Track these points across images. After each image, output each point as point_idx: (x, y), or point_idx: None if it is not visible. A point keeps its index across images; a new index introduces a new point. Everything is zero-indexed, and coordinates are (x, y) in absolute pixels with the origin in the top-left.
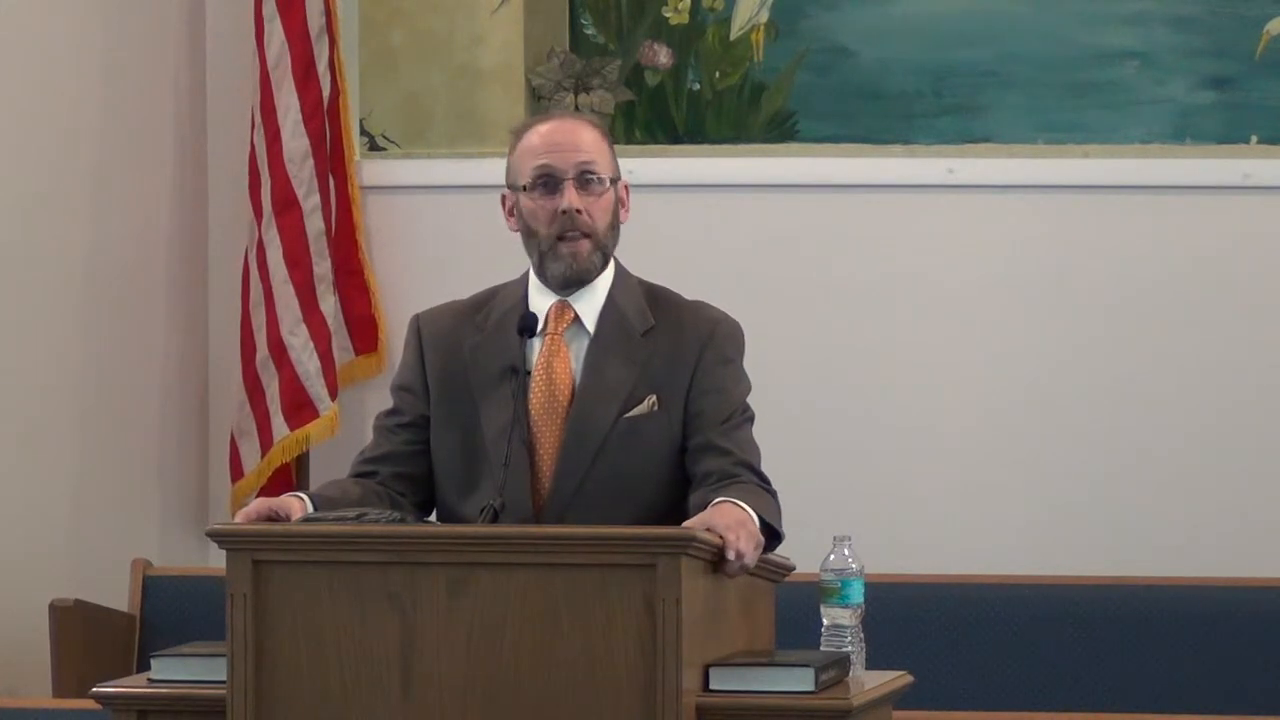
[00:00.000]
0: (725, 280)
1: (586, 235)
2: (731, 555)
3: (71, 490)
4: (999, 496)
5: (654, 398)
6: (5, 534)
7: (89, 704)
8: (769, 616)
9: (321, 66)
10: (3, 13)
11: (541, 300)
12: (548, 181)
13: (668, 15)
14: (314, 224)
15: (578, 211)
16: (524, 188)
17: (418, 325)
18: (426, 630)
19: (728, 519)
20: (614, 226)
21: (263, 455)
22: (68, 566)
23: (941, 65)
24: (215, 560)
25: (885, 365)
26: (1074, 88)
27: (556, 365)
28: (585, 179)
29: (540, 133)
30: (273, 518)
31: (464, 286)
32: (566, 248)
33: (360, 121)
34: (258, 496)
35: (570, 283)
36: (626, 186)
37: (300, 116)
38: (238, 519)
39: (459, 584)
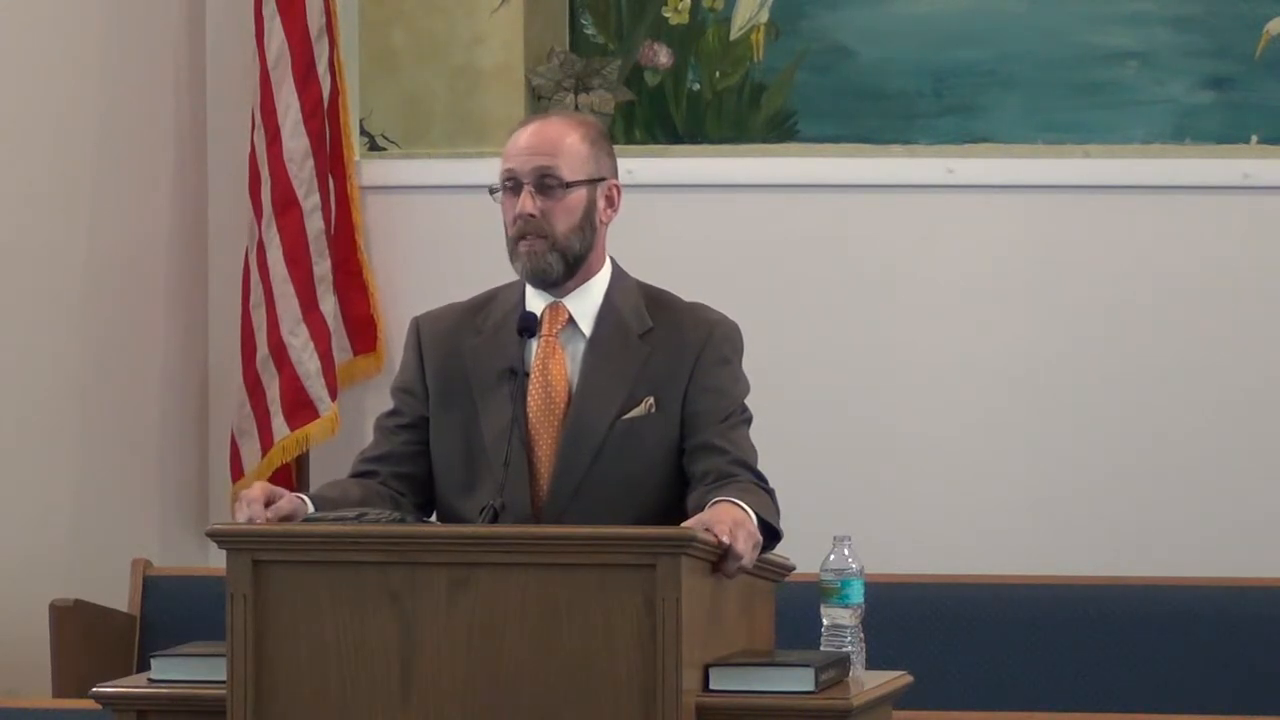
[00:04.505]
0: (724, 280)
1: (542, 237)
2: (729, 549)
3: (71, 490)
4: (999, 496)
5: (651, 399)
6: (5, 534)
7: (89, 704)
8: (769, 616)
9: (321, 66)
10: (2, 13)
11: (538, 302)
12: (512, 185)
13: (668, 15)
14: (314, 224)
15: (530, 215)
16: (497, 190)
17: (417, 327)
18: (426, 630)
19: (726, 518)
20: (582, 227)
21: (263, 455)
22: (68, 566)
23: (941, 65)
24: (215, 560)
25: (885, 365)
26: (1074, 88)
27: (552, 367)
28: (543, 183)
29: (517, 135)
30: (271, 500)
31: (463, 286)
32: (524, 247)
33: (360, 121)
34: None
35: (535, 282)
36: (616, 187)
37: (300, 116)
38: (242, 495)
39: (459, 584)
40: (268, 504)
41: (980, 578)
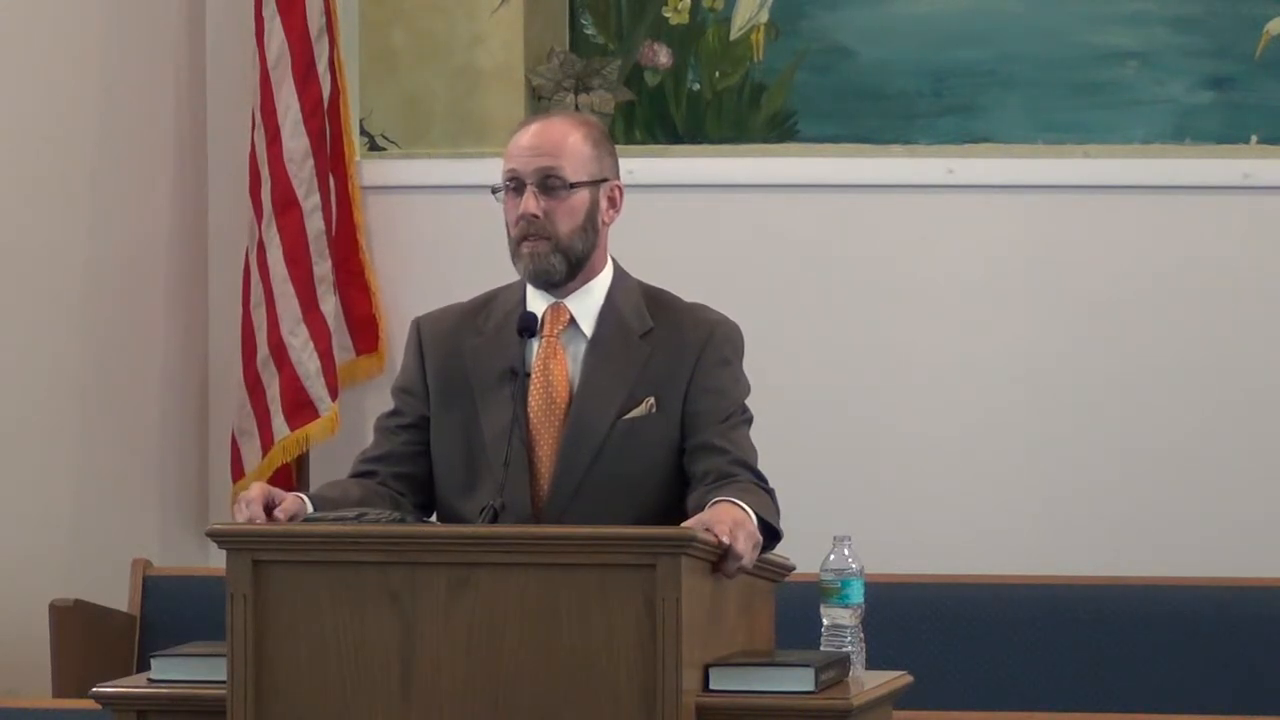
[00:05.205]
0: (724, 280)
1: (545, 238)
2: (729, 549)
3: (71, 490)
4: (999, 496)
5: (652, 400)
6: (5, 534)
7: (89, 704)
8: (769, 616)
9: (321, 66)
10: (2, 13)
11: (539, 302)
12: (515, 185)
13: (668, 15)
14: (314, 224)
15: (534, 216)
16: (499, 190)
17: (418, 328)
18: (426, 630)
19: (726, 518)
20: (585, 228)
21: (263, 455)
22: (68, 566)
23: (941, 65)
24: (215, 560)
25: (885, 365)
26: (1074, 88)
27: (554, 367)
28: (547, 184)
29: (519, 135)
30: (269, 504)
31: (464, 286)
32: (526, 247)
33: (360, 121)
34: None
35: (537, 282)
36: (618, 188)
37: (300, 116)
38: (241, 497)
39: (459, 584)
40: (267, 506)
41: (980, 578)
